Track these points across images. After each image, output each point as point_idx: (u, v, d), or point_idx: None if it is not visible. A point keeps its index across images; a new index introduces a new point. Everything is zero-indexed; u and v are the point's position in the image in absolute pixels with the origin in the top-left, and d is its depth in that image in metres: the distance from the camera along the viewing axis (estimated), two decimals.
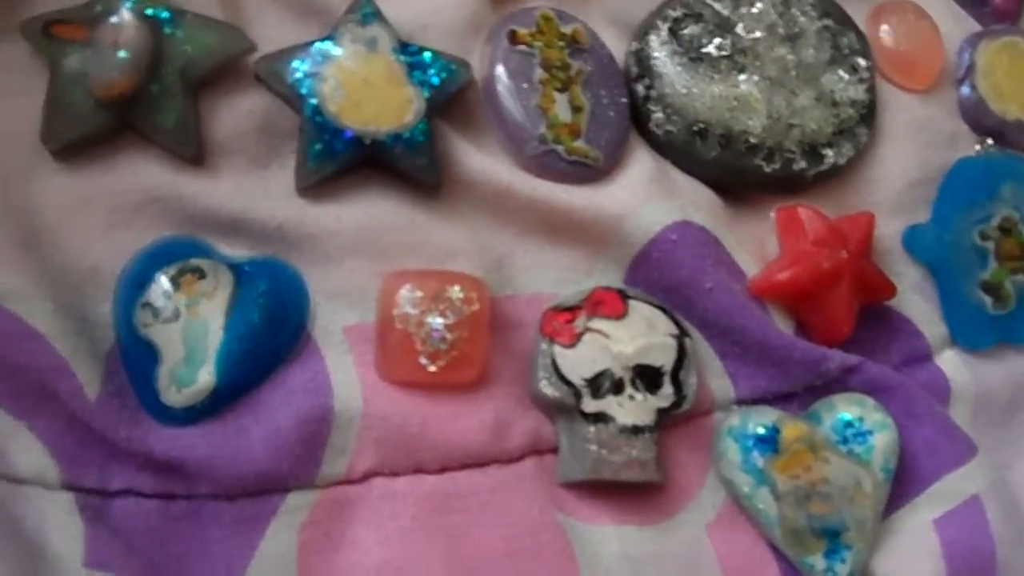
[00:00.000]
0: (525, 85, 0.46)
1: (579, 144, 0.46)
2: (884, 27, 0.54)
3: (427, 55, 0.44)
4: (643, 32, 0.51)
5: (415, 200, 0.45)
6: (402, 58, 0.44)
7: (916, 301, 0.51)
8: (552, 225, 0.46)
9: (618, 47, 0.51)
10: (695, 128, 0.49)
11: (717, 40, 0.50)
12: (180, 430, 0.39)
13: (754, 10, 0.51)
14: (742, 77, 0.49)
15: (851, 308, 0.47)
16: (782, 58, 0.50)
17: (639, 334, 0.44)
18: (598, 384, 0.43)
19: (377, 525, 0.40)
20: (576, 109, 0.47)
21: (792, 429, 0.44)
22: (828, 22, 0.52)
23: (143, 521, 0.38)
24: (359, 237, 0.43)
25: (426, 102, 0.44)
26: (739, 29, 0.50)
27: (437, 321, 0.41)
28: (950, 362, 0.51)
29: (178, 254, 0.41)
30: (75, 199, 0.42)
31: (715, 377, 0.46)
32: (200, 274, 0.40)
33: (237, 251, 0.43)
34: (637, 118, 0.49)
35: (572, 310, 0.45)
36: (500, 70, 0.47)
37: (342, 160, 0.43)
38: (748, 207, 0.50)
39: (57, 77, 0.42)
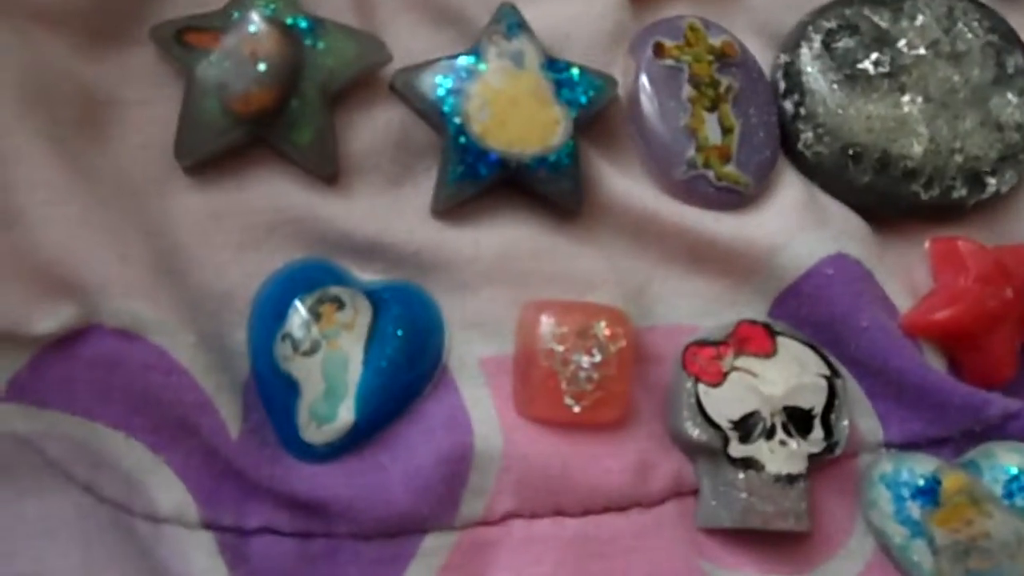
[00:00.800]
0: (672, 103, 0.44)
1: (729, 169, 0.43)
2: None
3: (575, 72, 0.42)
4: (793, 44, 0.47)
5: (554, 224, 0.43)
6: (550, 75, 0.41)
7: None
8: (695, 253, 0.44)
9: (764, 59, 0.48)
10: (849, 151, 0.46)
11: (875, 55, 0.47)
12: (320, 467, 0.37)
13: (917, 23, 0.47)
14: (903, 98, 0.46)
15: (1013, 349, 0.44)
16: (948, 79, 0.46)
17: (790, 374, 0.42)
18: (747, 427, 0.41)
19: (518, 570, 0.38)
20: (726, 130, 0.44)
21: (953, 480, 0.41)
22: (994, 38, 0.48)
23: (280, 561, 0.37)
24: (497, 264, 0.41)
25: (573, 122, 0.41)
26: (900, 44, 0.47)
27: (584, 360, 0.39)
28: None
29: (313, 279, 0.39)
30: (207, 217, 0.40)
31: (863, 417, 0.44)
32: (339, 304, 0.39)
33: (370, 274, 0.41)
34: (784, 137, 0.46)
35: (716, 345, 0.42)
36: (645, 86, 0.44)
37: (484, 183, 0.41)
38: (897, 234, 0.47)
39: (191, 89, 0.40)
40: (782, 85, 0.47)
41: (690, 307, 0.44)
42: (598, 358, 0.39)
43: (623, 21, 0.45)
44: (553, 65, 0.42)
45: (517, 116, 0.40)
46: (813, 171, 0.46)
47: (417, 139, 0.42)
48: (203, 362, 0.37)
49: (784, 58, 0.47)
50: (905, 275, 0.47)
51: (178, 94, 0.41)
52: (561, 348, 0.39)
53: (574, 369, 0.39)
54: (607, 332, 0.40)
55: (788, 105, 0.46)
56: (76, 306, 0.36)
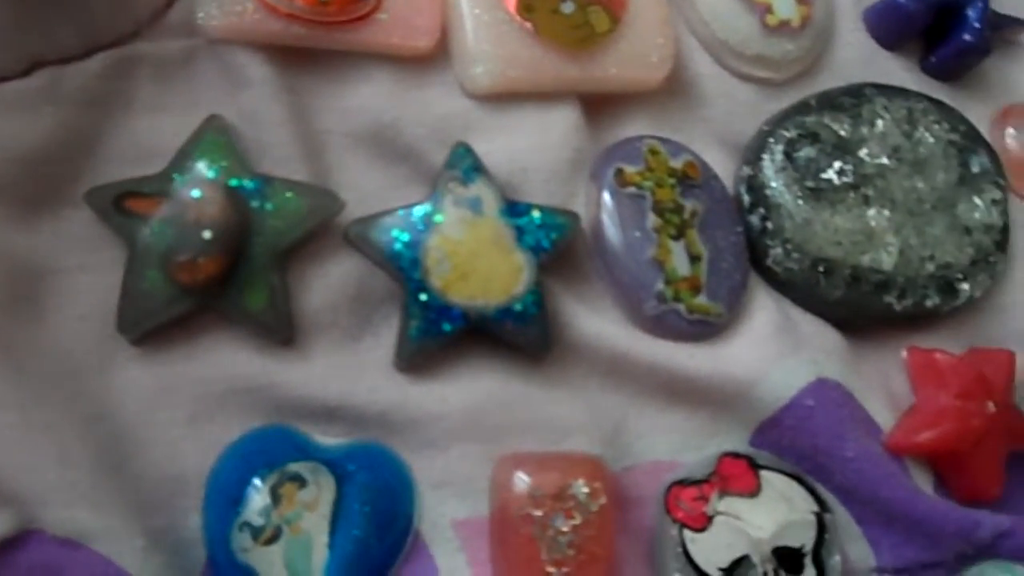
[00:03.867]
0: (637, 234, 0.42)
1: (700, 300, 0.42)
2: (1011, 132, 0.50)
3: (536, 216, 0.40)
4: (755, 155, 0.46)
5: (524, 371, 0.41)
6: (510, 220, 0.40)
7: None
8: (671, 388, 0.42)
9: (726, 170, 0.47)
10: (819, 266, 0.45)
11: (838, 165, 0.46)
12: None
13: (877, 130, 0.46)
14: (870, 209, 0.45)
15: (999, 465, 0.43)
16: (913, 186, 0.46)
17: (777, 514, 0.40)
18: (737, 575, 0.39)
19: None
20: (694, 258, 0.43)
21: None
22: (955, 137, 0.47)
23: None
24: (466, 419, 0.39)
25: (537, 268, 0.39)
26: (862, 153, 0.46)
27: (563, 523, 0.37)
28: None
29: (271, 453, 0.37)
30: (155, 391, 0.38)
31: (853, 544, 0.42)
32: (300, 482, 0.36)
33: (333, 437, 0.39)
34: (753, 252, 0.45)
35: (699, 484, 0.41)
36: (609, 217, 0.42)
37: (448, 338, 0.39)
38: (873, 343, 0.46)
39: (133, 258, 0.38)
40: (747, 199, 0.46)
41: (669, 443, 0.42)
42: (578, 520, 0.37)
43: (581, 147, 0.44)
44: (513, 209, 0.40)
45: (479, 267, 0.39)
46: (785, 287, 0.45)
47: (375, 289, 0.40)
48: (153, 567, 0.34)
49: (747, 171, 0.46)
50: (884, 386, 0.45)
51: (119, 256, 0.38)
52: (539, 513, 0.37)
53: (553, 534, 0.37)
54: (585, 490, 0.38)
55: (755, 220, 0.45)
56: (14, 515, 0.34)
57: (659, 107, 0.46)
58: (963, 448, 0.43)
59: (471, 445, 0.39)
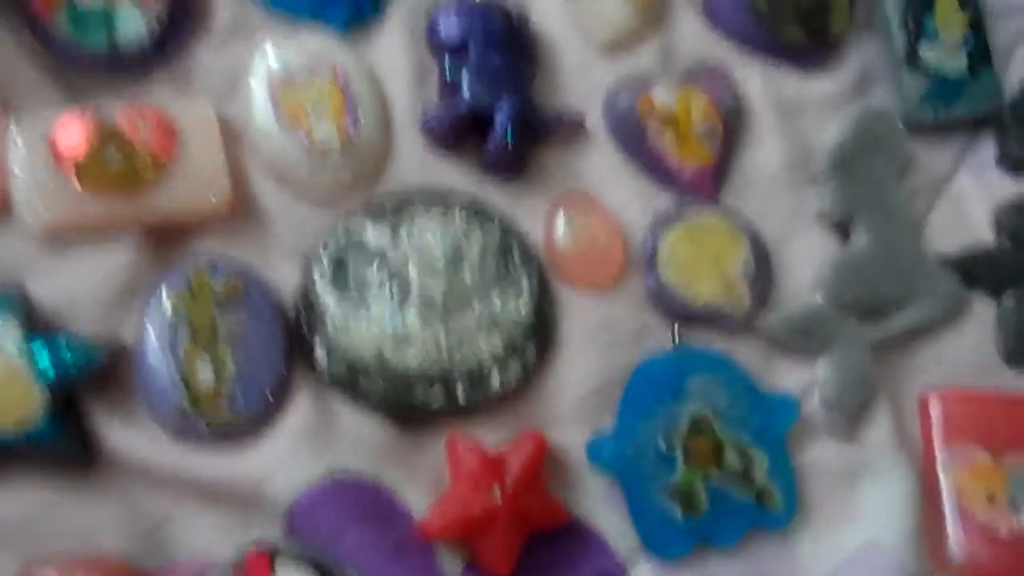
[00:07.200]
0: (169, 354, 0.48)
1: (221, 412, 0.47)
2: (560, 225, 0.53)
3: (63, 347, 0.46)
4: (307, 265, 0.51)
5: (62, 482, 0.47)
6: (28, 354, 0.45)
7: (605, 514, 0.50)
8: (204, 490, 0.47)
9: (293, 282, 0.52)
10: (356, 366, 0.49)
11: (376, 270, 0.50)
12: None
13: (414, 235, 0.51)
14: (404, 310, 0.49)
15: (509, 547, 0.47)
16: (436, 284, 0.50)
17: None
18: None
19: None
20: (220, 374, 0.48)
21: None
22: (491, 237, 0.51)
23: None
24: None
25: (52, 395, 0.45)
26: (399, 258, 0.50)
27: None
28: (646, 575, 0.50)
29: None
30: None
31: None
32: None
33: None
34: (303, 356, 0.50)
35: None
36: (149, 341, 0.48)
37: None
38: (424, 434, 0.50)
39: None
40: (300, 307, 0.51)
41: (208, 539, 0.48)
42: None
43: (135, 276, 0.49)
44: (36, 342, 0.46)
45: None
46: (330, 388, 0.50)
47: None
48: None
49: (301, 281, 0.51)
50: (433, 476, 0.50)
51: None
52: None
53: None
54: None
55: (303, 327, 0.50)
56: None
57: (230, 230, 0.51)
58: (467, 534, 0.47)
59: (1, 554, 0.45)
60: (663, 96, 0.55)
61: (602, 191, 0.55)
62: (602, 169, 0.55)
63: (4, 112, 0.50)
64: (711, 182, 0.55)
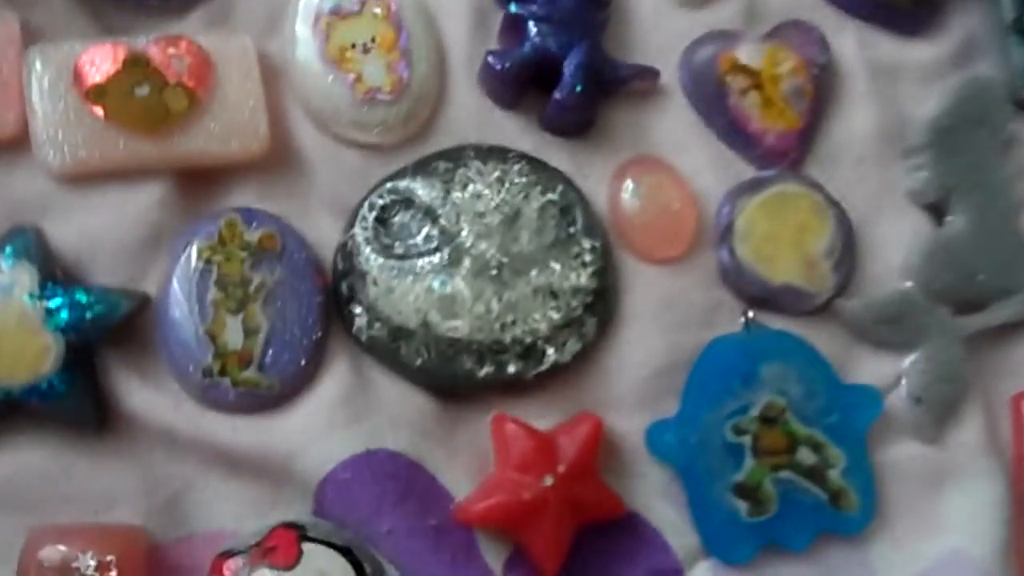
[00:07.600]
0: (196, 308, 0.43)
1: (248, 374, 0.43)
2: (628, 190, 0.48)
3: (81, 296, 0.42)
4: (350, 223, 0.47)
5: (72, 444, 0.43)
6: (40, 303, 0.41)
7: (663, 509, 0.46)
8: (228, 459, 0.43)
9: (333, 237, 0.47)
10: (398, 333, 0.45)
11: (426, 230, 0.46)
12: None
13: (467, 194, 0.46)
14: (450, 274, 0.45)
15: (559, 539, 0.43)
16: (497, 250, 0.45)
17: None
18: None
19: None
20: (250, 332, 0.44)
21: None
22: (553, 197, 0.47)
23: None
24: (5, 491, 0.41)
25: (66, 347, 0.41)
26: (450, 218, 0.46)
27: None
28: None
29: None
30: None
31: None
32: None
33: None
34: (341, 320, 0.46)
35: (244, 554, 0.42)
36: (172, 293, 0.44)
37: None
38: (468, 410, 0.46)
39: None
40: (340, 267, 0.46)
41: (231, 512, 0.44)
42: None
43: (162, 223, 0.45)
44: (49, 291, 0.42)
45: (3, 348, 0.41)
46: (371, 354, 0.46)
47: None
48: None
49: (343, 238, 0.47)
50: (475, 454, 0.45)
51: None
52: None
53: None
54: (92, 563, 0.39)
55: (343, 288, 0.46)
56: None
57: (266, 178, 0.47)
58: (514, 522, 0.43)
59: (7, 517, 0.41)
60: (748, 53, 0.50)
61: (675, 155, 0.50)
62: (676, 131, 0.50)
63: (25, 38, 0.46)
64: (796, 150, 0.50)
